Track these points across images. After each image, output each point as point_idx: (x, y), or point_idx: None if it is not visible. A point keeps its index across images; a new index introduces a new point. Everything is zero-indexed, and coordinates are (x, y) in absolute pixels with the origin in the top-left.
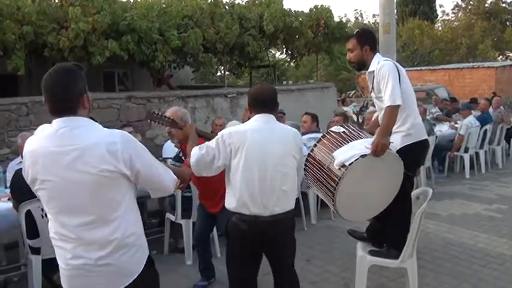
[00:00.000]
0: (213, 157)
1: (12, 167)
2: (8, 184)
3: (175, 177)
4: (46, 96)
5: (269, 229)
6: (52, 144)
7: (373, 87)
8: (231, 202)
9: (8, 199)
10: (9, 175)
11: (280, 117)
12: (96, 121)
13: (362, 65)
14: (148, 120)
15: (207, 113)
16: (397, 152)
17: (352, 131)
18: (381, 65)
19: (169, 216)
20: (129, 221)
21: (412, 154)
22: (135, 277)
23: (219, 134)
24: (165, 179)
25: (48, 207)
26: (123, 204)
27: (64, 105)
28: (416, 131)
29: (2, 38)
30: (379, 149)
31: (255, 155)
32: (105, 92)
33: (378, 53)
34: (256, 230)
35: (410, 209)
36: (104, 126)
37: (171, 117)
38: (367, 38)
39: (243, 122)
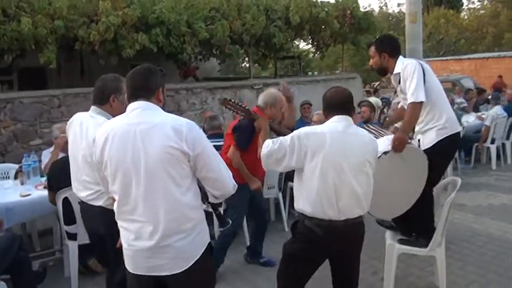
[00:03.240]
0: (284, 155)
1: (45, 155)
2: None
3: (234, 181)
4: (128, 84)
5: (345, 233)
6: (124, 122)
7: (400, 89)
8: (305, 206)
9: (44, 187)
10: (44, 159)
11: (307, 108)
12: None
13: (382, 71)
14: (224, 107)
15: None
16: (434, 146)
17: (372, 130)
18: (406, 65)
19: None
20: (190, 204)
21: (447, 147)
22: (194, 261)
23: (295, 133)
24: (225, 175)
25: (114, 185)
26: (184, 186)
27: (140, 91)
28: (451, 123)
29: (34, 32)
30: (398, 144)
31: (333, 161)
32: None
33: (401, 56)
34: (331, 235)
35: (432, 197)
36: None
37: (246, 106)
38: (385, 45)
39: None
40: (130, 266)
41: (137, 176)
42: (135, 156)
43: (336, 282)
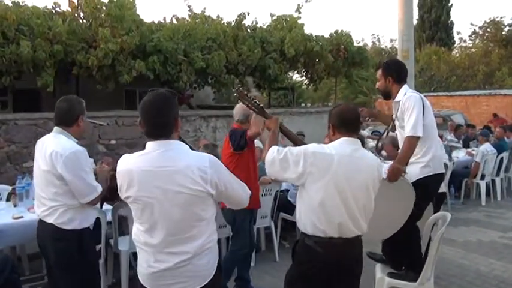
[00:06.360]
0: (286, 168)
1: None
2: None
3: (249, 191)
4: (143, 121)
5: (343, 250)
6: (147, 165)
7: (397, 117)
8: (305, 225)
9: None
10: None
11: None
12: (186, 143)
13: (387, 94)
14: (238, 100)
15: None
16: (415, 182)
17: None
18: (408, 96)
19: None
20: (209, 231)
21: (428, 186)
22: (208, 280)
23: (302, 149)
24: (242, 195)
25: (140, 219)
26: (206, 219)
27: (161, 130)
28: (435, 163)
29: (33, 56)
30: (393, 174)
31: (337, 184)
32: (126, 110)
33: (405, 84)
34: (331, 252)
35: (419, 231)
36: (128, 143)
37: (262, 104)
38: (391, 69)
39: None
40: (149, 285)
41: (163, 217)
42: (163, 200)
43: None
